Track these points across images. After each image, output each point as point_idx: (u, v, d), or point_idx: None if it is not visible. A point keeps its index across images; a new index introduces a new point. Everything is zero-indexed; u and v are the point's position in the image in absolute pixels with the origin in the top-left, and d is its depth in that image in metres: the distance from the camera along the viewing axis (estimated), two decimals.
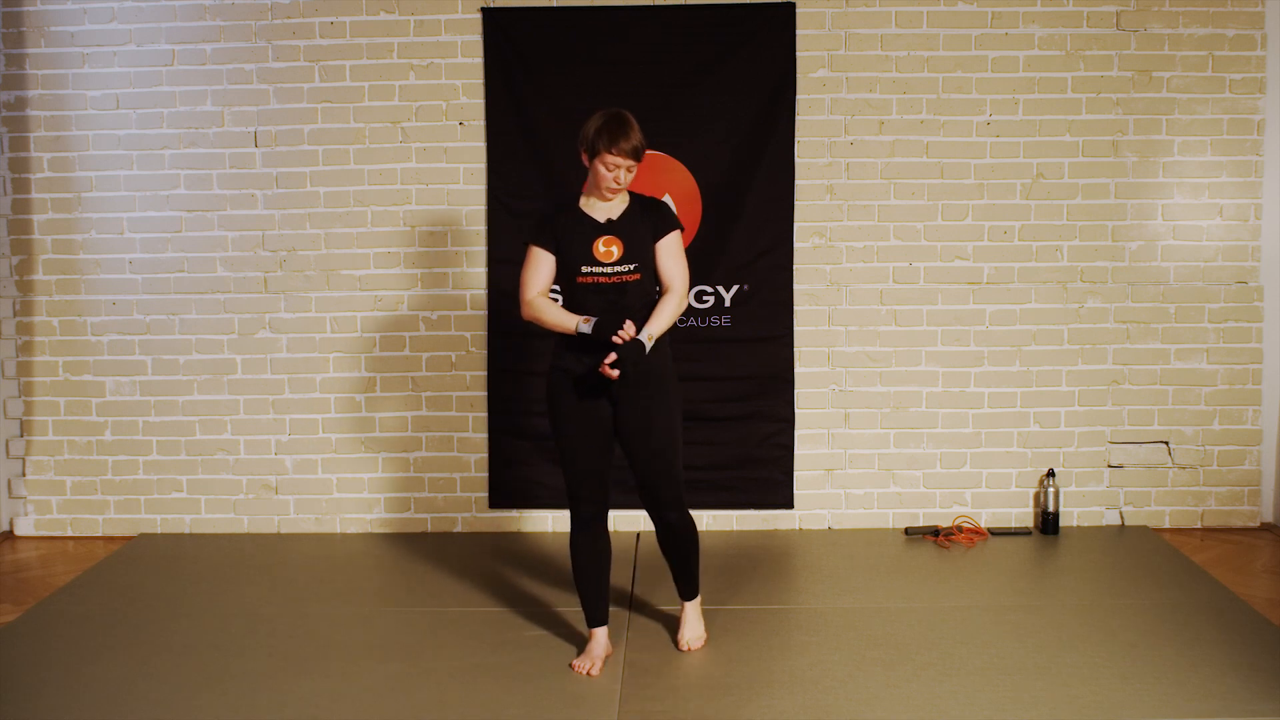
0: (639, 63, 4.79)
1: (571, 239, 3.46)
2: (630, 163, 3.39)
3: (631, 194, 3.56)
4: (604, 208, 3.50)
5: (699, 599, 3.80)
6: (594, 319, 3.39)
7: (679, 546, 3.66)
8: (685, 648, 3.71)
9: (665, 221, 3.53)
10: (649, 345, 3.42)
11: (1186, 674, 3.48)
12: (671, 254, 3.53)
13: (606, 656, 3.63)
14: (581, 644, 3.73)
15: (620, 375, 3.37)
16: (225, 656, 3.71)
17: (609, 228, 3.47)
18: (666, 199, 4.75)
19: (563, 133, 4.84)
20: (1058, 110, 4.84)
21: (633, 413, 3.50)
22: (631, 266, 3.46)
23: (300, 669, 3.61)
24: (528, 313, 3.52)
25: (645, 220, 3.50)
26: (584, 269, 3.44)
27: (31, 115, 4.92)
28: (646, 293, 3.52)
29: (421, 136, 4.88)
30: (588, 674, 3.55)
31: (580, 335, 3.41)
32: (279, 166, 4.91)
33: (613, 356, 3.34)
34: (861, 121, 4.85)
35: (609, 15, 4.79)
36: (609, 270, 3.44)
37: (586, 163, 3.44)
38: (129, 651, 3.76)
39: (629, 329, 3.37)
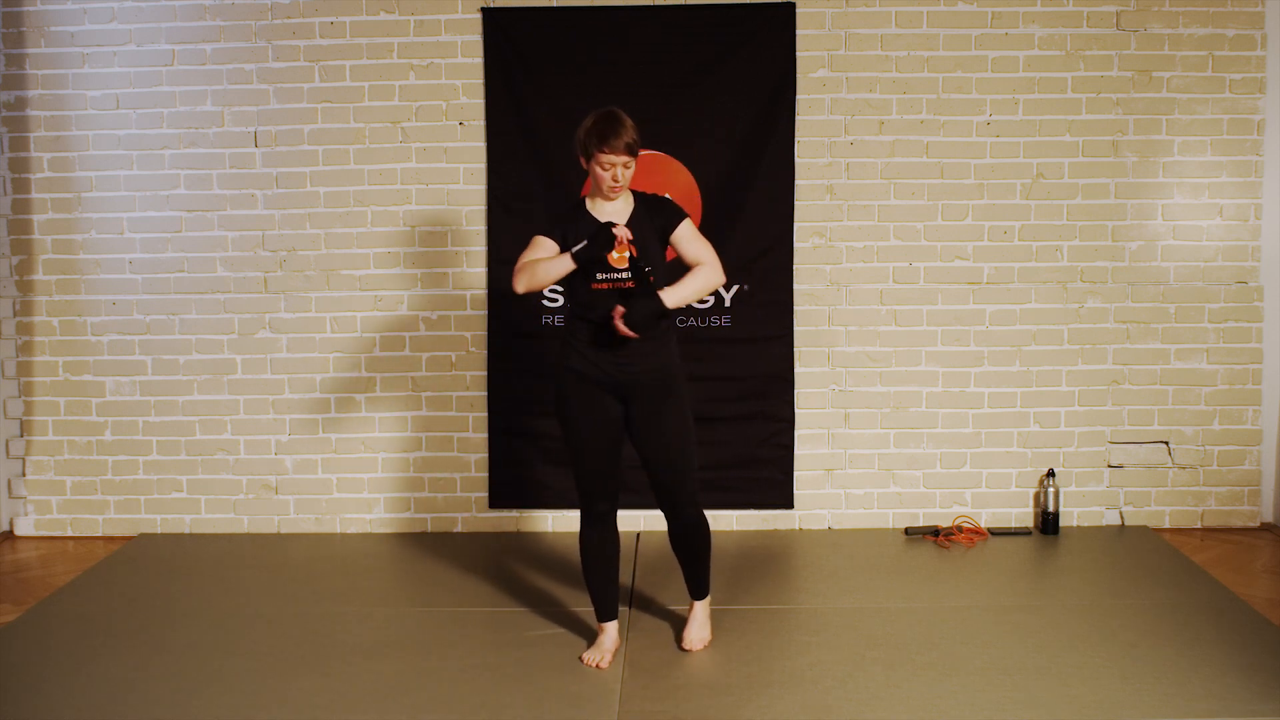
0: (639, 63, 4.79)
1: None
2: (626, 158, 3.36)
3: (634, 193, 3.53)
4: (610, 210, 3.47)
5: (708, 599, 3.81)
6: (585, 240, 3.33)
7: (691, 545, 3.68)
8: (688, 647, 3.71)
9: (671, 216, 3.49)
10: (666, 302, 3.34)
11: (1186, 674, 3.48)
12: (689, 240, 3.49)
13: (615, 650, 3.66)
14: (582, 644, 3.75)
15: (634, 370, 3.39)
16: (225, 656, 3.71)
17: None
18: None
19: (563, 133, 4.82)
20: (1058, 110, 4.84)
21: (647, 416, 3.49)
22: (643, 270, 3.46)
23: (300, 669, 3.61)
24: (520, 281, 3.38)
25: (651, 222, 3.48)
26: (599, 275, 3.40)
27: (31, 115, 4.92)
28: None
29: (421, 136, 4.88)
30: (596, 666, 3.58)
31: (575, 258, 3.33)
32: (279, 166, 4.91)
33: (620, 310, 3.28)
34: (861, 121, 4.85)
35: (609, 15, 4.79)
36: (624, 275, 3.41)
37: (585, 166, 3.41)
38: (129, 651, 3.76)
39: (618, 313, 3.30)
